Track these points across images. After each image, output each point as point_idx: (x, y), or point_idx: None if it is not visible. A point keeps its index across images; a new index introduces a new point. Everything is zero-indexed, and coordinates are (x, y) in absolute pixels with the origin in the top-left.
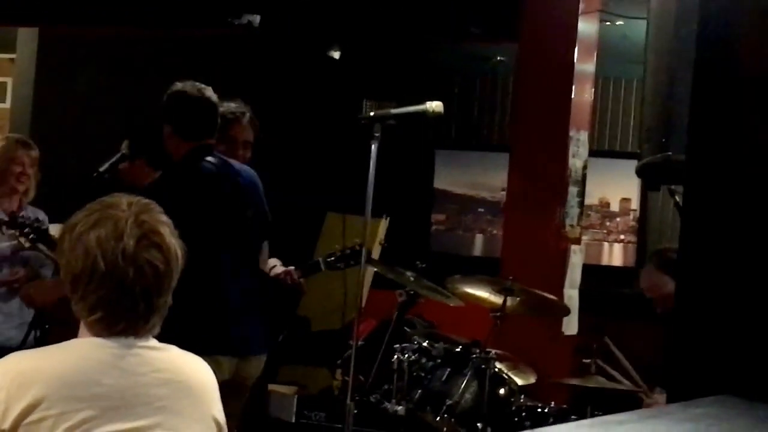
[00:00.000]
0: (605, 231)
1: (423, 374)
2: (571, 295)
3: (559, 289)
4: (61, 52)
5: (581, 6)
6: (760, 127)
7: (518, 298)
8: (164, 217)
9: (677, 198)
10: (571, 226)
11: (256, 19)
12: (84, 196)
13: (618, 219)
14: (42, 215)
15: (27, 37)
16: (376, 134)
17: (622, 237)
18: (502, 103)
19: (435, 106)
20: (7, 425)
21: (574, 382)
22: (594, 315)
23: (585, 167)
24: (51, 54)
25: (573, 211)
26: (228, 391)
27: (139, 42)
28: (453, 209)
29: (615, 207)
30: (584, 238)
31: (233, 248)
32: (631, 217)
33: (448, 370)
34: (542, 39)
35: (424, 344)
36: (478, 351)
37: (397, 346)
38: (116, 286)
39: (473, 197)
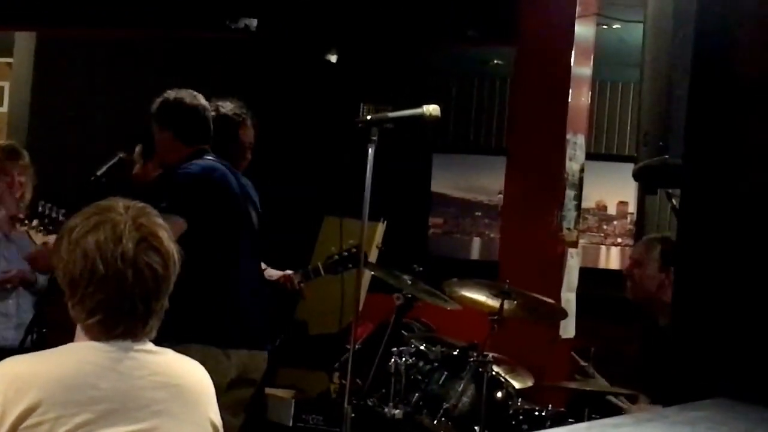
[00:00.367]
0: (602, 234)
1: (420, 378)
2: (569, 298)
3: (556, 292)
4: (59, 56)
5: (578, 9)
6: (757, 130)
7: (515, 302)
8: (161, 221)
9: (674, 201)
10: (569, 229)
11: (254, 22)
12: (81, 199)
13: (615, 222)
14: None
15: (24, 41)
16: (373, 138)
17: (619, 240)
18: (500, 107)
19: (432, 109)
20: (4, 429)
21: (572, 385)
22: (591, 318)
23: (582, 170)
24: (48, 58)
25: (570, 214)
26: (236, 385)
27: (136, 45)
28: (450, 213)
29: (612, 210)
30: (581, 241)
31: (245, 244)
32: (629, 220)
33: (446, 373)
34: (539, 42)
35: (422, 348)
36: (475, 354)
37: (395, 349)
38: (115, 289)
39: (470, 201)
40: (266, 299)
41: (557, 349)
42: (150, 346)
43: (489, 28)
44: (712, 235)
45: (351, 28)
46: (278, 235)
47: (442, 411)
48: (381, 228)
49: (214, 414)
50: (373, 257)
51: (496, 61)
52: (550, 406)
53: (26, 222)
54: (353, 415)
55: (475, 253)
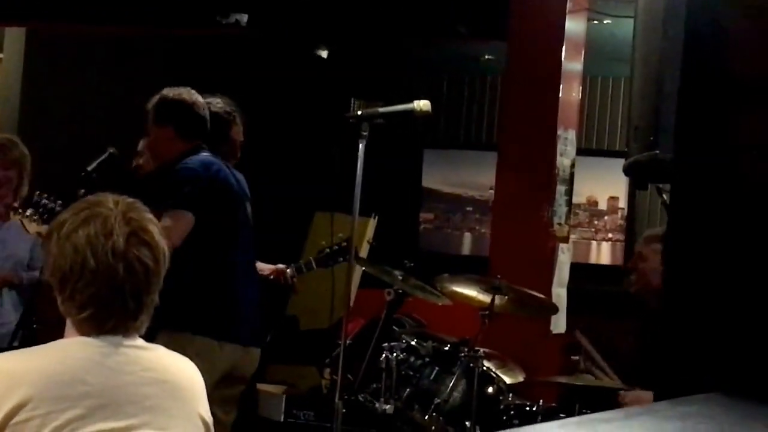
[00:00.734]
0: (593, 229)
1: (411, 373)
2: (560, 293)
3: (547, 287)
4: (49, 52)
5: (569, 5)
6: (747, 126)
7: (506, 297)
8: (151, 216)
9: (665, 197)
10: (559, 224)
11: (244, 18)
12: (72, 195)
13: (606, 217)
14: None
15: (14, 37)
16: (364, 133)
17: (610, 235)
18: (490, 102)
19: (423, 105)
20: None
21: (562, 380)
22: (582, 314)
23: (573, 166)
24: (38, 53)
25: (561, 209)
26: (227, 381)
27: (126, 41)
28: (441, 208)
29: (603, 205)
30: (572, 236)
31: (242, 238)
32: (619, 215)
33: (437, 368)
34: (530, 38)
35: (413, 343)
36: (466, 350)
37: (386, 344)
38: (106, 283)
39: (461, 196)
40: (259, 295)
41: (548, 345)
42: (140, 341)
43: (479, 24)
44: (702, 229)
45: (341, 23)
46: (269, 231)
47: (433, 406)
48: (372, 223)
49: (204, 410)
50: (364, 253)
51: (487, 57)
52: (541, 401)
53: (20, 211)
54: (344, 410)
55: (466, 249)
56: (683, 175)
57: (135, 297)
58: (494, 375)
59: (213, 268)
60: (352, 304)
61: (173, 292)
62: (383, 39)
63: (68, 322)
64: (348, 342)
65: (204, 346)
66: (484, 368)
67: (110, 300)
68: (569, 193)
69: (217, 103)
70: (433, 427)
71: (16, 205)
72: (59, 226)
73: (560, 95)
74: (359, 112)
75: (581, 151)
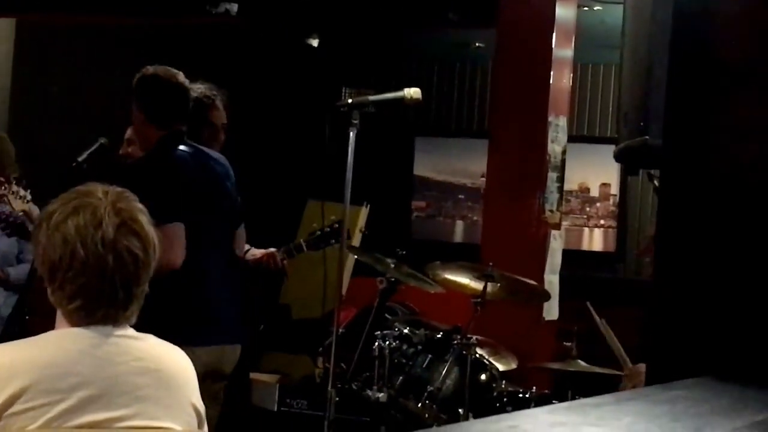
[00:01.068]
0: (585, 216)
1: (404, 361)
2: (552, 280)
3: (539, 274)
4: (39, 42)
5: None
6: (735, 110)
7: (499, 284)
8: (140, 206)
9: (656, 182)
10: (551, 211)
11: (234, 7)
12: (63, 185)
13: (598, 204)
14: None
15: (4, 27)
16: (355, 121)
17: (602, 222)
18: (481, 90)
19: (413, 92)
20: None
21: (555, 366)
22: (574, 300)
23: (564, 152)
24: (29, 44)
25: (552, 196)
26: (205, 380)
27: (116, 31)
28: (433, 196)
29: (595, 192)
30: (564, 223)
31: (210, 238)
32: (611, 202)
33: (430, 356)
34: (520, 25)
35: (405, 331)
36: (459, 337)
37: (378, 333)
38: (96, 273)
39: (453, 184)
40: (238, 290)
41: (540, 331)
42: (131, 331)
43: (469, 11)
44: (693, 214)
45: (332, 12)
46: (261, 220)
47: (426, 394)
48: (364, 212)
49: (196, 398)
50: (356, 241)
51: (477, 44)
52: (534, 388)
53: (6, 186)
54: (337, 398)
55: (458, 236)
56: (672, 160)
57: (125, 287)
58: (487, 362)
59: (184, 272)
60: (344, 292)
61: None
62: (374, 27)
63: (59, 313)
64: (341, 331)
65: None
66: (477, 355)
67: (100, 290)
68: (561, 179)
69: (198, 88)
70: (427, 415)
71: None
72: (48, 216)
73: (551, 82)
74: (350, 101)
75: (572, 138)
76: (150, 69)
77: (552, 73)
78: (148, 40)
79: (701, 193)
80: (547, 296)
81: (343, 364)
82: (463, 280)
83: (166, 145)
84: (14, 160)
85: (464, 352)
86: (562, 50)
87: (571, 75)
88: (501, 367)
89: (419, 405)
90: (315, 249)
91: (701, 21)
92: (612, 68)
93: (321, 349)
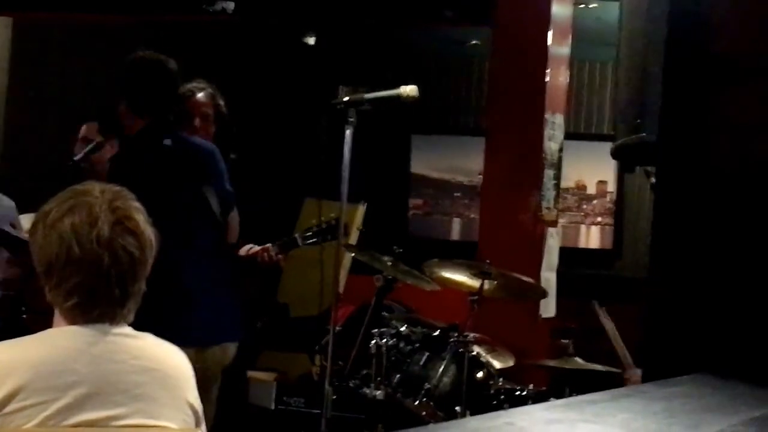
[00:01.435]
0: (582, 213)
1: (401, 359)
2: (549, 277)
3: (536, 272)
4: (36, 40)
5: None
6: (730, 106)
7: (496, 282)
8: (137, 204)
9: (653, 179)
10: (548, 209)
11: (230, 5)
12: (59, 184)
13: (595, 201)
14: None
15: (1, 26)
16: (351, 119)
17: (599, 219)
18: (478, 87)
19: (409, 90)
20: None
21: (552, 363)
22: (571, 297)
23: (561, 150)
24: (25, 42)
25: (549, 194)
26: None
27: (113, 29)
28: (430, 194)
29: (591, 189)
30: (561, 220)
31: (188, 231)
32: (608, 199)
33: (427, 354)
34: (516, 22)
35: (402, 329)
36: (456, 335)
37: (376, 331)
38: (92, 271)
39: (450, 181)
40: (222, 288)
41: (537, 329)
42: (128, 329)
43: (466, 9)
44: (688, 211)
45: (328, 10)
46: (258, 218)
47: (423, 391)
48: (361, 210)
49: (194, 397)
50: (353, 239)
51: (473, 42)
52: (531, 385)
53: None
54: (334, 396)
55: (455, 234)
56: (667, 157)
57: (121, 285)
58: (484, 360)
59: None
60: (342, 290)
61: None
62: (370, 25)
63: (56, 312)
64: (338, 328)
65: None
66: (474, 353)
67: (96, 288)
68: (557, 177)
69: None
70: (424, 413)
71: None
72: (45, 214)
73: (547, 80)
74: (346, 99)
75: (569, 135)
76: (137, 54)
77: (548, 70)
78: (144, 38)
79: (697, 190)
80: (544, 294)
81: (340, 362)
82: (460, 277)
83: (147, 135)
84: None
85: (461, 350)
86: (559, 48)
87: (568, 72)
88: (498, 365)
89: (416, 403)
90: (310, 245)
91: (697, 18)
92: (608, 66)
93: (318, 347)
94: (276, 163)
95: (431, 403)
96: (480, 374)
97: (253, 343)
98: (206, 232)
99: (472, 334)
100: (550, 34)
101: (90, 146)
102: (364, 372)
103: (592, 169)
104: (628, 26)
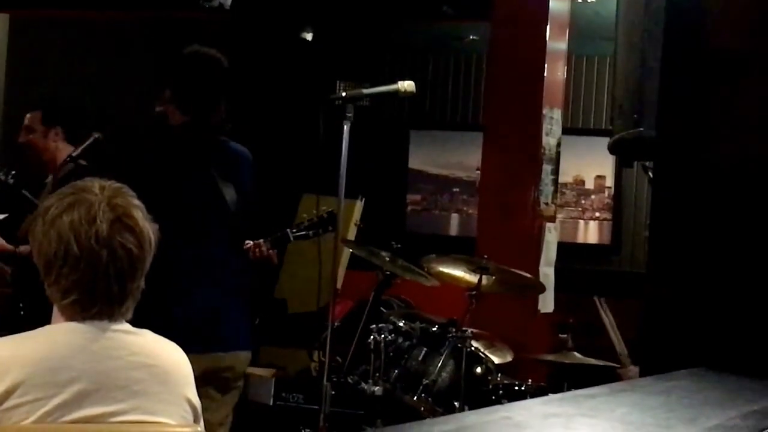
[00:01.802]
0: (580, 209)
1: (400, 354)
2: (547, 272)
3: (534, 267)
4: (33, 37)
5: None
6: (730, 100)
7: (494, 277)
8: (137, 201)
9: (651, 174)
10: (546, 204)
11: (228, 1)
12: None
13: (593, 196)
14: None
15: None
16: (349, 114)
17: (597, 214)
18: (476, 83)
19: (407, 85)
20: None
21: (550, 358)
22: (570, 293)
23: (559, 145)
24: (22, 39)
25: (547, 189)
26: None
27: (110, 26)
28: (428, 189)
29: (590, 185)
30: (559, 216)
31: (194, 225)
32: (606, 194)
33: (425, 349)
34: (514, 17)
35: (401, 324)
36: (454, 330)
37: (374, 326)
38: (90, 269)
39: (448, 177)
40: (231, 292)
41: (536, 324)
42: (127, 326)
43: (464, 4)
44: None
45: (326, 5)
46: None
47: (421, 387)
48: (359, 205)
49: (192, 394)
50: (351, 235)
51: (471, 37)
52: (529, 380)
53: None
54: (333, 392)
55: (453, 230)
56: (665, 151)
57: (119, 283)
58: (482, 355)
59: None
60: (340, 286)
61: None
62: (368, 20)
63: (55, 308)
64: (336, 324)
65: None
66: (472, 348)
67: (94, 285)
68: (555, 172)
69: None
70: (422, 408)
71: None
72: (45, 211)
73: (545, 74)
74: (344, 94)
75: (567, 131)
76: (193, 47)
77: (546, 65)
78: (141, 34)
79: (695, 185)
80: (542, 289)
81: (338, 358)
82: (458, 273)
83: (180, 131)
84: None
85: (459, 345)
86: (557, 42)
87: (566, 67)
88: (496, 360)
89: (415, 398)
90: (303, 238)
91: (694, 12)
92: (606, 60)
93: (317, 343)
94: (273, 158)
95: (430, 399)
96: (478, 369)
97: (252, 340)
98: (214, 239)
99: (470, 330)
100: (547, 29)
101: (87, 142)
102: (363, 367)
103: (590, 164)
104: (625, 21)
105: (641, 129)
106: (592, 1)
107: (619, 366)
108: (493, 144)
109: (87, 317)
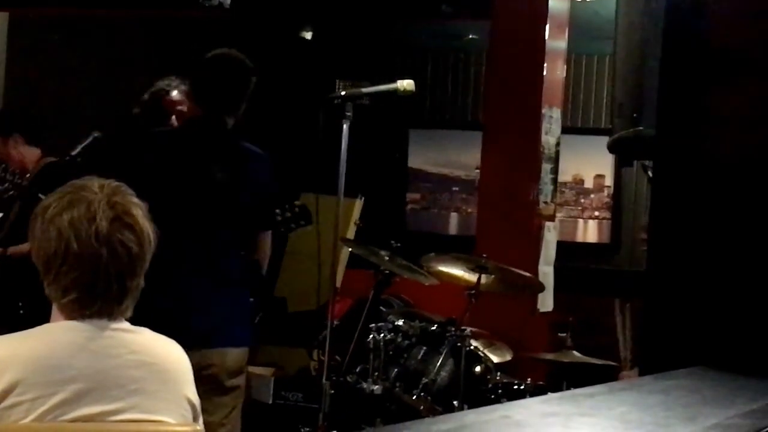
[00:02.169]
0: (580, 208)
1: (399, 353)
2: (546, 272)
3: (533, 266)
4: (32, 35)
5: None
6: (729, 99)
7: (493, 276)
8: (136, 199)
9: (650, 173)
10: (545, 203)
11: (227, 0)
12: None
13: (592, 195)
14: None
15: None
16: (348, 113)
17: (596, 213)
18: (475, 81)
19: (406, 84)
20: None
21: (549, 357)
22: (569, 292)
23: (558, 144)
24: (22, 37)
25: (547, 188)
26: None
27: (109, 24)
28: (428, 188)
29: (589, 184)
30: (558, 215)
31: (193, 222)
32: (606, 193)
33: (424, 348)
34: (514, 16)
35: (400, 323)
36: (453, 329)
37: (373, 325)
38: (89, 267)
39: (448, 176)
40: (234, 291)
41: (535, 323)
42: (126, 324)
43: (463, 3)
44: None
45: (325, 4)
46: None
47: (421, 386)
48: (359, 204)
49: (192, 392)
50: (351, 234)
51: (471, 36)
52: (528, 379)
53: None
54: (332, 391)
55: (452, 228)
56: (665, 150)
57: (118, 281)
58: (482, 354)
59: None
60: (339, 285)
61: None
62: (367, 19)
63: (54, 307)
64: (336, 323)
65: None
66: (472, 347)
67: (94, 284)
68: (555, 171)
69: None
70: (422, 407)
71: None
72: (44, 209)
73: (544, 73)
74: (343, 93)
75: (566, 130)
76: (223, 51)
77: (546, 64)
78: (141, 33)
79: (694, 183)
80: (541, 288)
81: (338, 357)
82: (457, 272)
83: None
84: None
85: (459, 344)
86: (556, 41)
87: (565, 66)
88: (496, 359)
89: (414, 397)
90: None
91: (694, 12)
92: (606, 59)
93: (316, 341)
94: (273, 157)
95: (429, 398)
96: (478, 368)
97: (252, 338)
98: (218, 238)
99: (469, 329)
100: (547, 28)
101: (87, 141)
102: (362, 367)
103: (589, 163)
104: (625, 20)
105: (641, 128)
106: (591, 1)
107: (618, 365)
108: (493, 143)
109: (86, 316)
